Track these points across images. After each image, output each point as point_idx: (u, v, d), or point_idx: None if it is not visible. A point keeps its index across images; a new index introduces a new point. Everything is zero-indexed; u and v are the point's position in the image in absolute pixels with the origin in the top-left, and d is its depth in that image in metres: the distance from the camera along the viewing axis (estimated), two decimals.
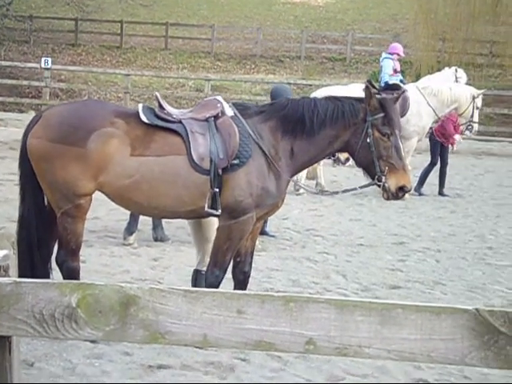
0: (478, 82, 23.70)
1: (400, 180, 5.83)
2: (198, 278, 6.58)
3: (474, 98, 14.08)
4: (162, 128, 5.85)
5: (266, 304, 2.26)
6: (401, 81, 14.83)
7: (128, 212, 8.36)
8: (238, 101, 10.13)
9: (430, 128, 14.61)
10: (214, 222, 6.27)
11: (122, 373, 5.35)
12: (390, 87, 13.62)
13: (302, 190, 12.67)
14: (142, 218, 8.95)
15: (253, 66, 36.55)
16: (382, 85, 14.50)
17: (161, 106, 6.00)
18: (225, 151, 5.77)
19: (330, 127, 5.87)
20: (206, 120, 5.92)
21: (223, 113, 5.97)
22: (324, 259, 9.11)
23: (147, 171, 5.71)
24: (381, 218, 11.93)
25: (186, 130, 5.83)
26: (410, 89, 13.97)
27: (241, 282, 6.18)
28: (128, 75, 25.15)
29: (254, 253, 6.41)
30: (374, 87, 6.04)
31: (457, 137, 14.33)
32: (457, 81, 15.09)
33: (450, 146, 14.44)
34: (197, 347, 5.46)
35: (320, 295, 6.00)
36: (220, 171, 5.75)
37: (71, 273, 5.84)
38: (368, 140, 5.83)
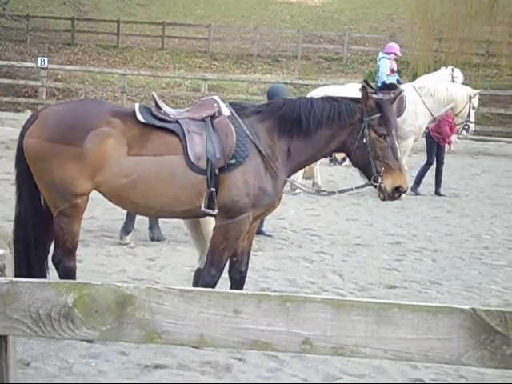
0: (474, 82, 23.72)
1: (396, 180, 5.84)
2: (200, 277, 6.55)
3: (470, 97, 14.09)
4: (159, 128, 5.85)
5: (263, 304, 2.26)
6: (397, 81, 14.84)
7: (124, 211, 8.35)
8: (234, 101, 10.13)
9: (427, 128, 14.63)
10: (211, 221, 6.26)
11: (118, 372, 5.34)
12: (387, 87, 13.64)
13: (298, 190, 12.66)
14: (138, 217, 8.95)
15: (249, 66, 36.54)
16: (379, 85, 14.52)
17: (157, 106, 6.00)
18: (221, 151, 5.77)
19: (326, 127, 5.87)
20: (203, 120, 5.92)
21: (220, 112, 5.97)
22: (321, 259, 9.11)
23: (144, 171, 5.71)
24: (377, 217, 11.93)
25: (182, 130, 5.84)
26: (407, 88, 13.97)
27: (237, 282, 6.18)
28: (125, 75, 25.14)
29: (251, 252, 6.41)
30: (370, 87, 6.05)
31: (453, 137, 14.34)
32: (453, 80, 15.10)
33: (446, 145, 14.46)
34: (193, 347, 5.45)
35: (316, 295, 6.00)
36: (217, 171, 5.75)
37: (67, 272, 5.84)
38: (364, 140, 5.83)
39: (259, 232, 9.46)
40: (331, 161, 13.94)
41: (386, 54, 15.28)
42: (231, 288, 6.08)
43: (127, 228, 9.13)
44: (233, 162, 5.78)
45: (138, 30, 39.77)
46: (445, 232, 11.15)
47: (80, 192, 5.73)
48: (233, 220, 5.82)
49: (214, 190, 5.74)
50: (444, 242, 10.45)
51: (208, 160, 5.74)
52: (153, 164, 5.72)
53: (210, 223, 6.34)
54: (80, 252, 6.91)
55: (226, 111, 5.99)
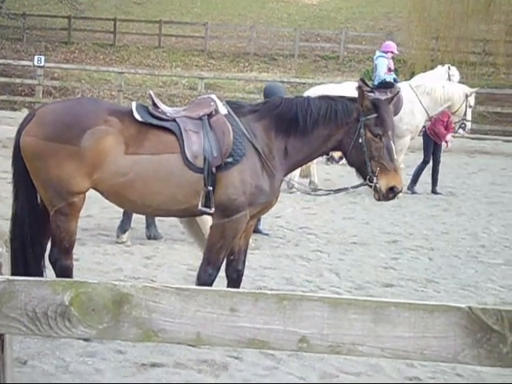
0: (471, 81, 23.73)
1: (391, 181, 5.83)
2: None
3: (466, 96, 14.09)
4: (156, 126, 5.84)
5: (260, 302, 2.26)
6: (394, 79, 14.83)
7: (121, 210, 8.35)
8: (231, 99, 10.13)
9: (423, 126, 14.64)
10: (208, 219, 6.26)
11: (115, 371, 5.34)
12: (384, 85, 13.63)
13: (295, 189, 12.67)
14: (135, 216, 8.95)
15: (246, 64, 36.55)
16: (376, 83, 14.51)
17: (154, 105, 6.00)
18: (218, 149, 5.77)
19: (323, 126, 5.87)
20: (200, 118, 5.91)
21: (217, 111, 5.96)
22: (317, 257, 9.11)
23: (141, 169, 5.71)
24: (374, 216, 11.94)
25: (179, 129, 5.83)
26: (404, 87, 13.97)
27: (234, 280, 6.18)
28: (121, 73, 25.11)
29: (248, 251, 6.41)
30: (367, 85, 6.04)
31: (448, 136, 14.35)
32: (449, 79, 15.11)
33: (444, 143, 14.47)
34: (190, 345, 5.46)
35: (313, 293, 6.00)
36: (214, 169, 5.75)
37: (64, 271, 5.83)
38: (360, 140, 5.83)
39: (256, 230, 9.46)
40: (328, 159, 13.94)
41: (383, 52, 15.27)
42: (228, 286, 6.07)
43: (124, 226, 9.12)
44: (230, 160, 5.78)
45: (135, 28, 39.76)
46: (441, 230, 11.16)
47: (77, 190, 5.73)
48: (230, 218, 5.82)
49: (211, 188, 5.74)
50: (440, 241, 10.46)
51: (205, 158, 5.74)
52: (150, 163, 5.72)
53: (208, 222, 6.33)
54: (77, 250, 6.91)
55: (223, 110, 5.99)
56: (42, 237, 5.96)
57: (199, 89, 23.81)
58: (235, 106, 6.08)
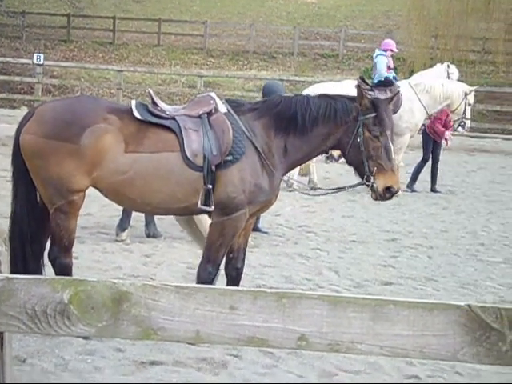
0: (470, 79, 23.73)
1: (388, 181, 5.82)
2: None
3: (466, 94, 14.09)
4: (156, 124, 5.84)
5: (259, 300, 2.26)
6: (393, 78, 14.82)
7: (120, 208, 8.35)
8: (230, 97, 10.12)
9: (423, 125, 14.63)
10: (206, 217, 6.26)
11: (114, 369, 5.34)
12: (383, 83, 13.62)
13: (294, 187, 12.67)
14: (134, 214, 8.94)
15: (245, 63, 36.53)
16: (375, 81, 14.50)
17: (154, 103, 5.99)
18: (218, 148, 5.77)
19: (322, 125, 5.87)
20: (200, 116, 5.91)
21: (216, 109, 5.96)
22: (316, 255, 9.12)
23: (141, 167, 5.70)
24: (373, 214, 11.94)
25: (179, 127, 5.83)
26: (403, 85, 13.96)
27: (233, 279, 6.18)
28: (121, 71, 25.07)
29: (247, 249, 6.41)
30: (366, 84, 6.04)
31: (447, 134, 14.34)
32: (449, 77, 15.10)
33: (443, 142, 14.46)
34: (189, 343, 5.46)
35: (312, 291, 6.01)
36: (213, 168, 5.75)
37: (64, 269, 5.83)
38: (358, 139, 5.82)
39: (255, 229, 9.46)
40: (327, 158, 13.93)
41: (383, 50, 15.26)
42: (227, 285, 6.07)
43: (123, 225, 9.12)
44: (229, 158, 5.78)
45: (134, 26, 39.72)
46: (440, 229, 11.16)
47: (77, 188, 5.73)
48: (229, 217, 5.82)
49: (210, 186, 5.74)
50: (440, 239, 10.46)
51: (205, 157, 5.74)
52: (150, 161, 5.72)
53: (207, 221, 6.33)
54: (76, 249, 6.90)
55: (223, 108, 5.99)
56: (41, 235, 5.96)
57: (198, 87, 23.78)
58: (235, 105, 6.08)
